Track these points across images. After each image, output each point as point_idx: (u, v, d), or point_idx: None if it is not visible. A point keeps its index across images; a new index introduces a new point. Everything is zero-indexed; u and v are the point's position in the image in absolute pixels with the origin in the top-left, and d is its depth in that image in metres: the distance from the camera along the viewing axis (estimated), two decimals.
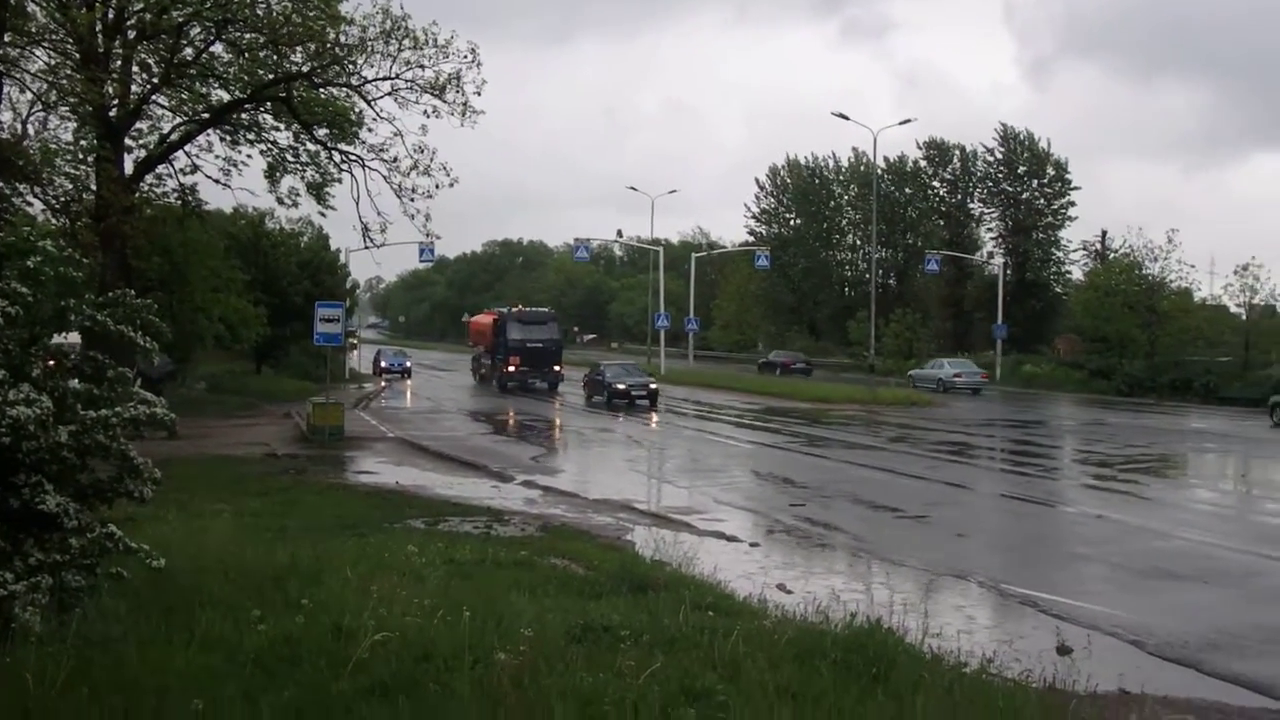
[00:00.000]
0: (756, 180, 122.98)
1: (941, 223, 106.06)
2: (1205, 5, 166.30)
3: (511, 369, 64.94)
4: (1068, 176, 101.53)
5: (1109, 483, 30.28)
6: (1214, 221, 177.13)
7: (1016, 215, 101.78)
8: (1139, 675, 12.06)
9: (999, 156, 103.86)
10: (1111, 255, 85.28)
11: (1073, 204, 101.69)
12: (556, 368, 65.64)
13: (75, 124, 33.20)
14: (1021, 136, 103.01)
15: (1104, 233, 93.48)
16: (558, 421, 48.62)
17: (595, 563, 15.63)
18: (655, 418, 45.93)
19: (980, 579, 17.68)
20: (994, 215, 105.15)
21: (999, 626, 14.85)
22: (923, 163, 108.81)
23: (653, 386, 53.89)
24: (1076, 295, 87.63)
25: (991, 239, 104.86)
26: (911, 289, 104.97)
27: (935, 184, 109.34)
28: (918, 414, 52.64)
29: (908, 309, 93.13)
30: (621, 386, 53.11)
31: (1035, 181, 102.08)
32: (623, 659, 9.05)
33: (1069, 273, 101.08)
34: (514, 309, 72.29)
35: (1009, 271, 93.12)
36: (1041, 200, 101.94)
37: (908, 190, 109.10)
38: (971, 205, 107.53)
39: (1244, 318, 72.39)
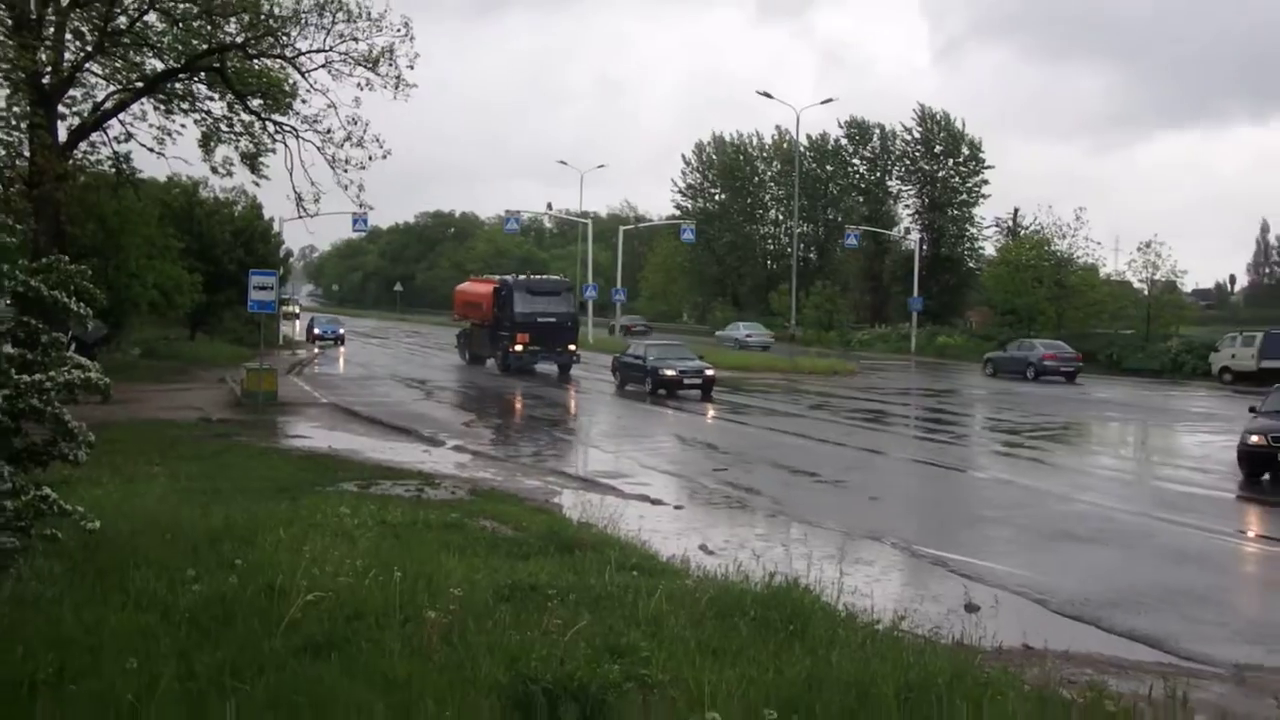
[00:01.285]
0: (683, 156, 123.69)
1: (861, 199, 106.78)
2: None
3: (519, 348, 52.55)
4: (981, 155, 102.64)
5: (1016, 449, 30.68)
6: (1120, 200, 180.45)
7: (932, 192, 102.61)
8: (1042, 631, 12.23)
9: (916, 136, 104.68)
10: (1022, 232, 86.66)
11: (986, 182, 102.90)
12: (571, 347, 53.93)
13: (8, 91, 32.36)
14: (938, 116, 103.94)
15: (1015, 210, 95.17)
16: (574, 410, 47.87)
17: (523, 524, 15.64)
18: (711, 411, 39.03)
19: (893, 540, 17.85)
20: (911, 192, 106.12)
21: (911, 585, 15.04)
22: (843, 141, 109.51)
23: (709, 373, 43.69)
24: (988, 270, 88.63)
25: (909, 215, 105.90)
26: (831, 262, 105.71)
27: (855, 161, 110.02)
28: (837, 383, 52.94)
29: (827, 281, 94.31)
30: (671, 373, 42.89)
31: (951, 160, 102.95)
32: (549, 617, 9.06)
33: (982, 248, 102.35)
34: (521, 276, 60.30)
35: (925, 246, 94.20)
36: (956, 178, 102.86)
37: (829, 167, 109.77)
38: (890, 182, 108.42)
39: (1146, 293, 73.42)
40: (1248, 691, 10.26)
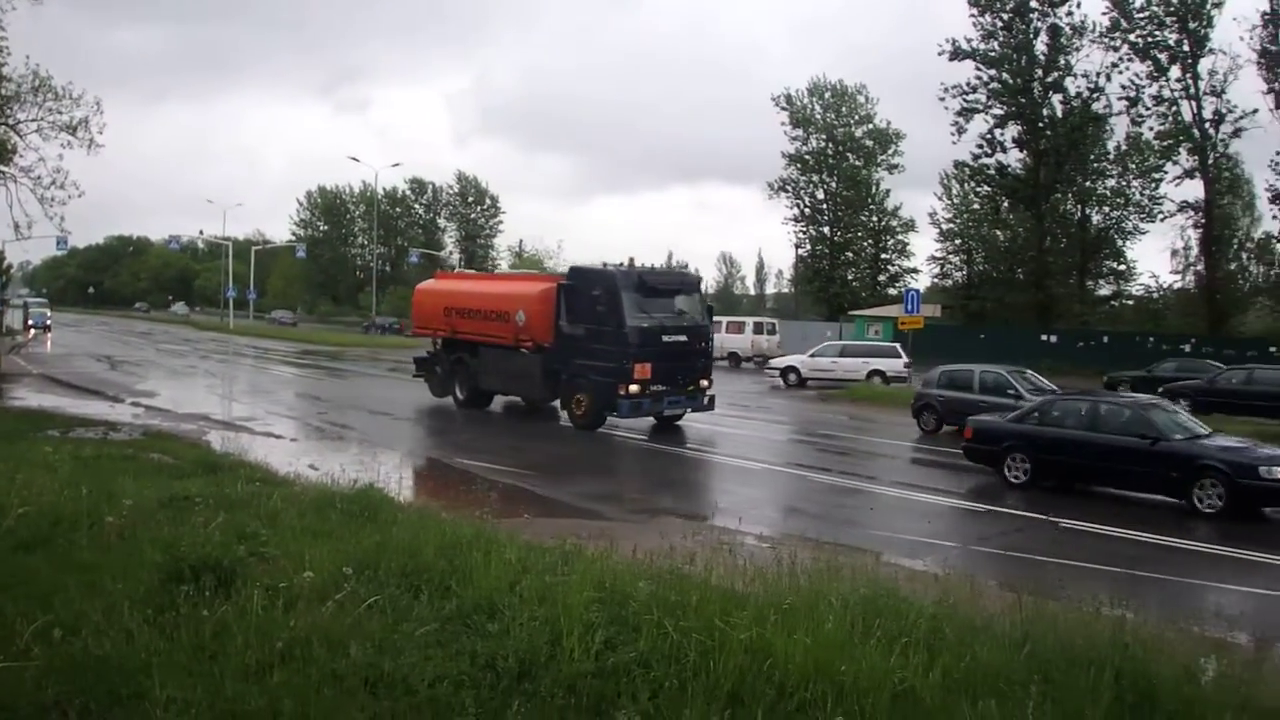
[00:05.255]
0: (297, 200, 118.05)
1: (420, 231, 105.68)
2: (564, 100, 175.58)
3: (635, 387, 20.39)
4: (499, 205, 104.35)
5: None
6: (583, 235, 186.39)
7: (468, 228, 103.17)
8: (535, 505, 12.86)
9: (457, 190, 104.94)
10: (525, 254, 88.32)
11: (501, 223, 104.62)
12: (704, 383, 21.82)
13: None
14: (471, 178, 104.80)
15: (520, 240, 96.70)
16: None
17: (181, 455, 14.83)
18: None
19: (435, 456, 18.16)
20: (454, 227, 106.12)
21: (445, 485, 15.39)
22: (408, 192, 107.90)
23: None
24: None
25: (452, 242, 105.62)
26: (401, 273, 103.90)
27: (416, 206, 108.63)
28: (410, 352, 52.32)
29: (399, 286, 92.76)
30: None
31: (479, 207, 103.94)
32: (197, 516, 8.81)
33: (499, 263, 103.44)
34: (625, 265, 21.97)
35: (463, 263, 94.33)
36: (483, 219, 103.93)
37: (398, 209, 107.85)
38: (440, 221, 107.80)
39: None
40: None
